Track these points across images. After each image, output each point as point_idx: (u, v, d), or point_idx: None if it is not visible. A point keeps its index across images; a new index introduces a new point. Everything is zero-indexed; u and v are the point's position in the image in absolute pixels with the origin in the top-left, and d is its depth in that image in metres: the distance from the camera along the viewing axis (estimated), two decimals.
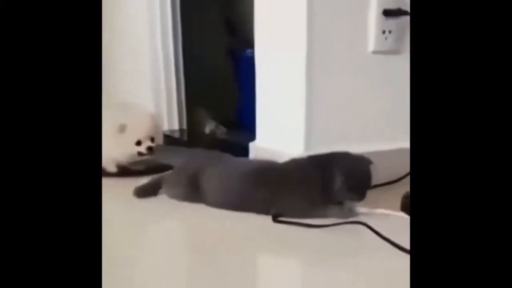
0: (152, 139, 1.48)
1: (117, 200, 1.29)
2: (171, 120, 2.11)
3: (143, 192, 1.27)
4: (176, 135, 2.04)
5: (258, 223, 1.09)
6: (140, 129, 1.45)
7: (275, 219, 1.08)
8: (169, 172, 1.31)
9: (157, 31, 2.05)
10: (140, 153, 1.46)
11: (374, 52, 1.32)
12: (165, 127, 2.08)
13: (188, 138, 2.03)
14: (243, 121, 2.19)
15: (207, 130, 2.15)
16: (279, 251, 0.98)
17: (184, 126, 2.14)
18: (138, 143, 1.45)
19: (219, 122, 2.19)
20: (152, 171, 1.42)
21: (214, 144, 1.98)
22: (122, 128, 1.43)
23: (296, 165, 1.14)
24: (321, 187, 1.08)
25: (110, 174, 1.50)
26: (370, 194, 1.10)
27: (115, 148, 1.44)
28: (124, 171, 1.51)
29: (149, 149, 1.45)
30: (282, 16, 1.33)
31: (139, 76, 2.20)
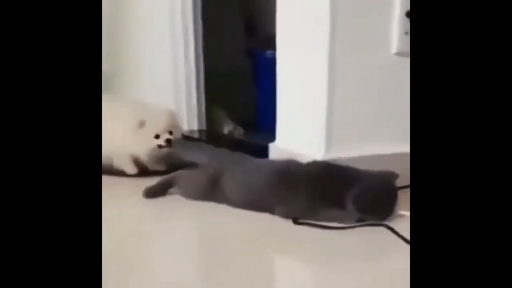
0: (171, 133, 1.50)
1: (133, 199, 1.29)
2: (190, 121, 2.10)
3: (152, 193, 1.28)
4: (195, 135, 2.03)
5: (278, 224, 1.08)
6: (158, 123, 1.49)
7: (295, 221, 1.07)
8: (183, 171, 1.32)
9: (179, 31, 2.05)
10: (159, 146, 1.48)
11: (397, 54, 1.30)
12: (185, 127, 2.08)
13: (207, 138, 2.03)
14: (261, 122, 2.19)
15: (226, 130, 2.16)
16: (299, 253, 0.97)
17: (203, 127, 2.14)
18: (157, 136, 1.48)
19: (237, 123, 2.20)
20: (170, 171, 1.42)
21: (232, 144, 1.98)
22: (141, 124, 1.47)
23: (312, 169, 1.13)
24: (331, 200, 1.07)
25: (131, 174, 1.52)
26: None
27: (134, 144, 1.48)
28: (143, 171, 1.52)
29: (168, 141, 1.48)
30: (304, 17, 1.33)
31: (159, 76, 2.21)
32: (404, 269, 0.83)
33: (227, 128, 2.17)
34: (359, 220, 1.05)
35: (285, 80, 1.43)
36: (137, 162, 1.52)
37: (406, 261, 0.86)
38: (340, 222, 1.05)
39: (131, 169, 1.52)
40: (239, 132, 2.17)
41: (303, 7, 1.33)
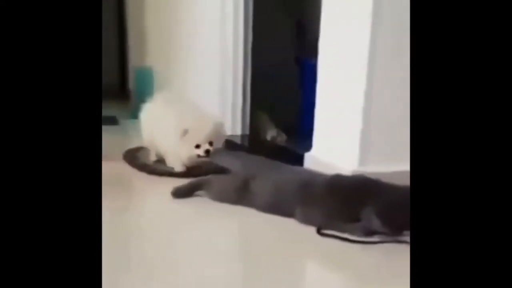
0: (211, 143, 1.56)
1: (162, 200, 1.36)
2: (235, 125, 2.13)
3: (181, 193, 1.35)
4: (237, 140, 2.06)
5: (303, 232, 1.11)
6: (200, 134, 1.56)
7: (319, 232, 1.08)
8: (213, 176, 1.39)
9: (229, 35, 2.08)
10: (198, 155, 1.56)
11: None
12: (228, 132, 2.11)
13: (249, 144, 2.05)
14: (304, 129, 2.18)
15: (268, 136, 2.16)
16: (320, 262, 0.98)
17: (247, 132, 2.16)
18: (198, 146, 1.55)
19: (281, 128, 2.20)
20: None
21: (273, 151, 1.98)
22: (185, 133, 1.56)
23: (334, 181, 1.16)
24: (347, 212, 1.10)
25: (175, 174, 1.59)
26: None
27: (179, 148, 1.58)
28: (186, 173, 1.59)
29: (207, 152, 1.55)
30: (346, 25, 1.32)
31: (208, 79, 2.25)
32: None
33: (270, 134, 2.17)
34: (369, 233, 1.07)
35: (324, 88, 1.43)
36: (184, 164, 1.62)
37: None
38: (353, 234, 1.07)
39: (179, 167, 1.62)
40: (281, 139, 2.17)
41: (346, 15, 1.32)
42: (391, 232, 1.05)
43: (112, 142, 1.90)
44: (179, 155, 1.60)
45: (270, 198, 1.21)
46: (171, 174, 1.60)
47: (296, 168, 1.34)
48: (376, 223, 1.04)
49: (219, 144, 1.61)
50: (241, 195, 1.26)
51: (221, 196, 1.30)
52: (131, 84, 3.20)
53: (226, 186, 1.30)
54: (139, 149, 1.83)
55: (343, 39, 1.34)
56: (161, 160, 1.71)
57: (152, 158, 1.75)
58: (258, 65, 2.17)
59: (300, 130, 2.21)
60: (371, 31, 1.24)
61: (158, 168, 1.66)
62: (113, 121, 2.55)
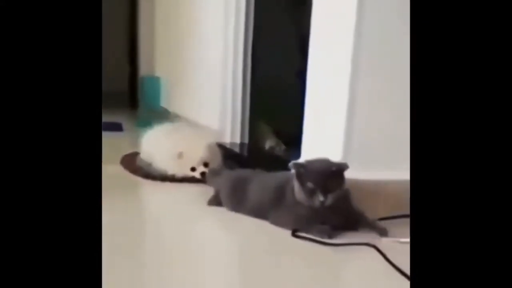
0: (206, 164, 1.65)
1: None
2: (234, 134, 2.17)
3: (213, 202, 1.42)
4: (236, 148, 2.09)
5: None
6: (194, 157, 1.66)
7: (293, 234, 1.11)
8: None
9: (230, 46, 2.12)
10: (194, 178, 1.65)
11: None
12: (227, 139, 2.15)
13: (248, 152, 2.08)
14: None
15: (267, 146, 2.19)
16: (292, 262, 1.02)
17: (246, 140, 2.19)
18: (193, 169, 1.65)
19: (281, 139, 2.22)
20: None
21: (270, 159, 2.01)
22: (180, 156, 1.66)
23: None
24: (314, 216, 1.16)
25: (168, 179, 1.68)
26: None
27: (176, 170, 1.67)
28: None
29: (202, 174, 1.65)
30: (331, 32, 1.36)
31: (210, 86, 2.29)
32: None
33: (269, 143, 2.20)
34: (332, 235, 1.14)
35: (312, 99, 1.46)
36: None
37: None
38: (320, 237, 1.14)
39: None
40: (280, 148, 2.19)
41: (332, 22, 1.36)
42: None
43: (113, 147, 1.95)
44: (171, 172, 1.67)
45: (253, 204, 1.29)
46: (165, 178, 1.67)
47: (281, 173, 1.37)
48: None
49: (215, 164, 1.69)
50: (234, 202, 1.34)
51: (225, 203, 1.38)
52: (139, 93, 3.26)
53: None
54: (137, 154, 1.88)
55: (328, 51, 1.37)
56: None
57: None
58: (260, 76, 2.20)
59: (299, 141, 2.24)
60: (353, 47, 1.27)
61: (151, 172, 1.71)
62: (118, 127, 2.60)
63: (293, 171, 1.18)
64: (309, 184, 1.12)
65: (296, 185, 1.16)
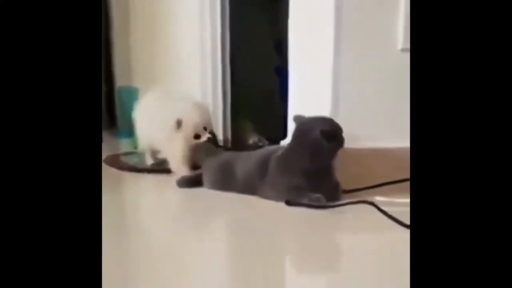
0: (205, 128, 1.55)
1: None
2: (216, 129, 2.16)
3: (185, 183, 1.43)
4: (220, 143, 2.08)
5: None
6: (196, 122, 1.53)
7: (287, 203, 1.11)
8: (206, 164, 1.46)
9: (207, 42, 2.13)
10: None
11: (403, 50, 1.32)
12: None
13: (232, 147, 2.08)
14: (285, 135, 2.21)
15: (251, 141, 2.19)
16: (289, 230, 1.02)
17: (229, 136, 2.20)
18: (197, 136, 1.53)
19: (263, 135, 2.23)
20: None
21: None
22: (178, 124, 1.51)
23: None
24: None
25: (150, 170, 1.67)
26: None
27: (178, 143, 1.53)
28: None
29: (209, 139, 1.55)
30: (310, 22, 1.37)
31: (187, 82, 2.29)
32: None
33: (252, 139, 2.20)
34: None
35: (295, 85, 1.48)
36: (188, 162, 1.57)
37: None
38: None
39: (184, 170, 1.57)
40: (263, 143, 2.20)
41: (310, 12, 1.37)
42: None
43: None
44: (179, 151, 1.54)
45: (240, 180, 1.31)
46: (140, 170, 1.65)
47: (265, 148, 1.39)
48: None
49: (210, 127, 1.60)
50: (223, 181, 1.35)
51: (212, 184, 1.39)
52: (117, 105, 3.22)
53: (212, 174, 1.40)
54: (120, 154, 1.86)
55: (308, 33, 1.40)
56: (160, 163, 1.67)
57: (149, 162, 1.73)
58: (239, 76, 2.22)
59: (281, 136, 2.24)
60: (334, 20, 1.29)
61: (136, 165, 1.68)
62: None
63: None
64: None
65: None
